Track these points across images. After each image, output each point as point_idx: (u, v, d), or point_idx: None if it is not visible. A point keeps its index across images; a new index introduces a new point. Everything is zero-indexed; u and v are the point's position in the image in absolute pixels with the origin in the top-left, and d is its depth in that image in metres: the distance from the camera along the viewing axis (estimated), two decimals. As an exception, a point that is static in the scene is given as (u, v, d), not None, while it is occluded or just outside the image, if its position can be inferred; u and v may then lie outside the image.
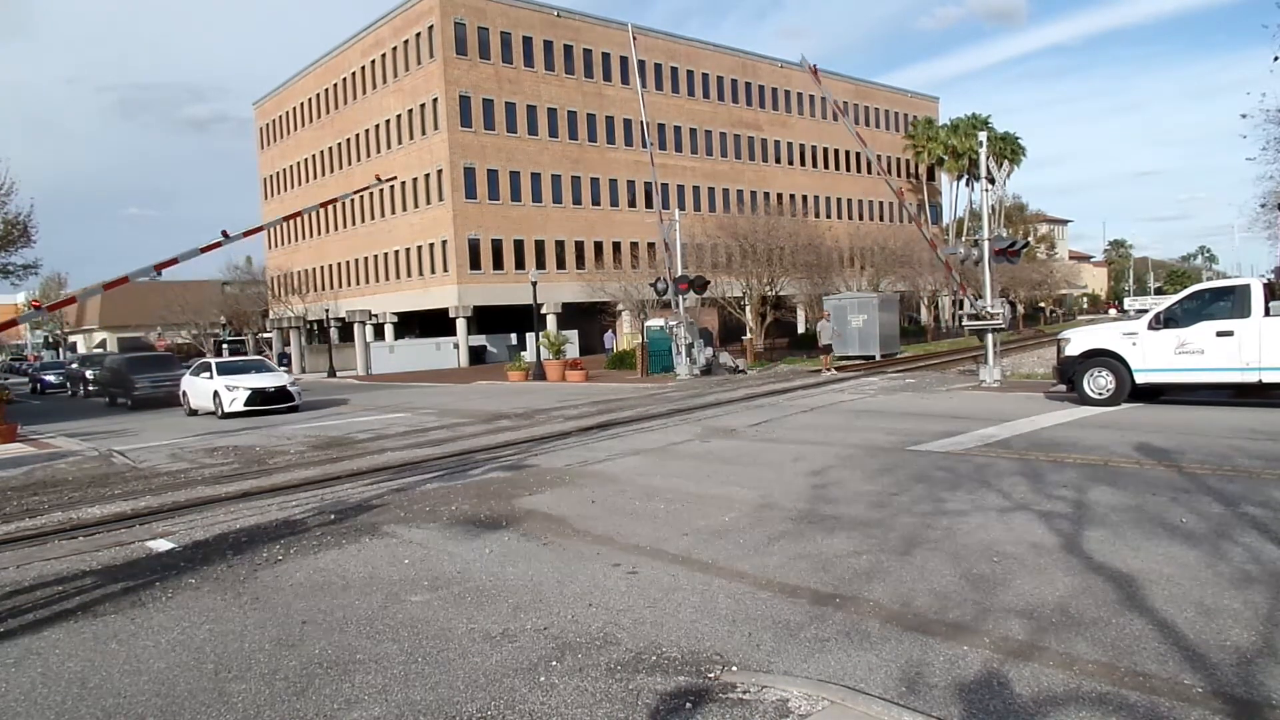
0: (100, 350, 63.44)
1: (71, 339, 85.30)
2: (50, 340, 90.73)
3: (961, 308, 22.87)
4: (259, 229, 9.73)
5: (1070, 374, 14.28)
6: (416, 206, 46.57)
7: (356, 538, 7.42)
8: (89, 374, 34.18)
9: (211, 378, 22.34)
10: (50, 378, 43.18)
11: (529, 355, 36.00)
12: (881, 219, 65.14)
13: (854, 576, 5.59)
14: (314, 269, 56.74)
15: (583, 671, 4.28)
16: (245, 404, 21.29)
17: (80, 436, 17.89)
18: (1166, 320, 13.31)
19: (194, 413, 22.89)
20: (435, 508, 8.52)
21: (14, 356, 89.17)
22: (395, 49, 46.93)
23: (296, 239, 59.16)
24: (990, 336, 18.89)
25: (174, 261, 8.63)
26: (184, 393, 23.77)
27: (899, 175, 67.67)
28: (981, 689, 3.86)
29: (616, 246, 48.38)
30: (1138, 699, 3.68)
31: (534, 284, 32.30)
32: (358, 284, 52.39)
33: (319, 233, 56.35)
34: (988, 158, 19.49)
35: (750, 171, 56.78)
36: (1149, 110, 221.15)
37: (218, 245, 9.01)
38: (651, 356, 28.81)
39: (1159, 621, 4.54)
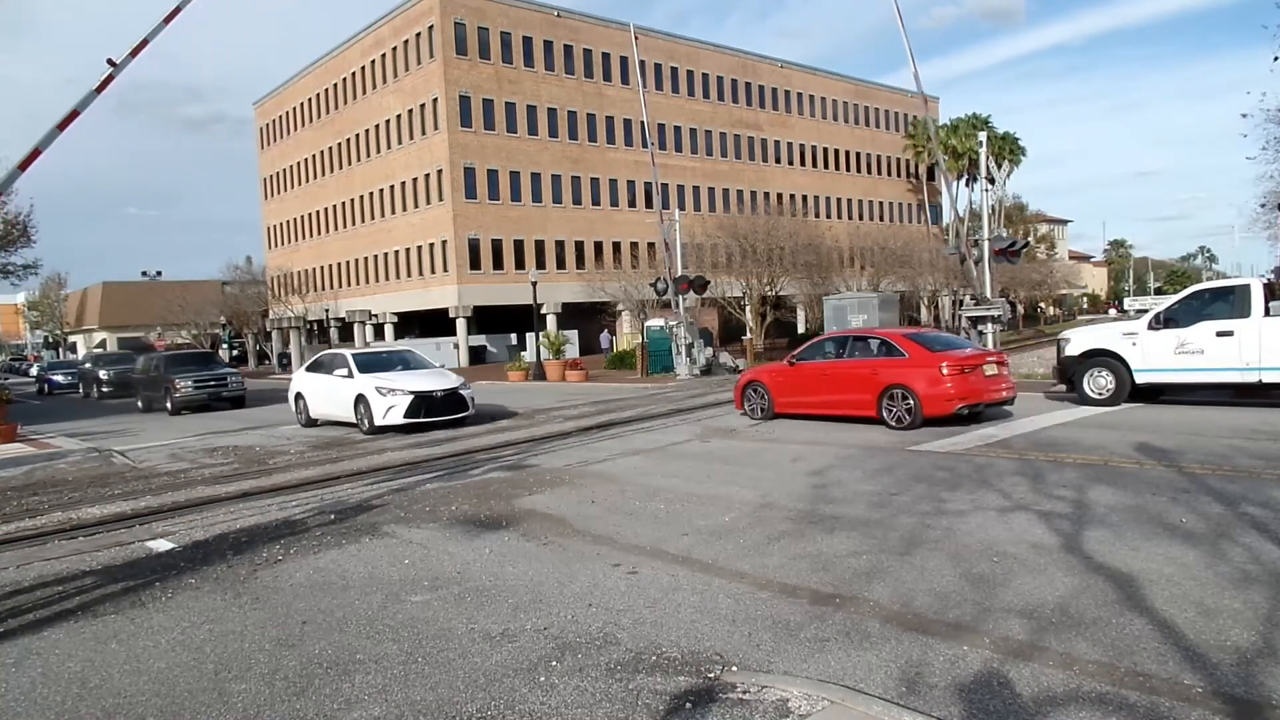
0: (101, 350, 63.29)
1: (71, 339, 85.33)
2: (50, 340, 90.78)
3: (962, 306, 22.89)
4: (144, 43, 8.99)
5: (1070, 374, 14.28)
6: (416, 206, 46.55)
7: (356, 538, 7.42)
8: (103, 374, 32.42)
9: (350, 376, 16.30)
10: (58, 378, 41.41)
11: (529, 355, 35.97)
12: (881, 219, 65.10)
13: (854, 576, 5.59)
14: (314, 269, 56.71)
15: (583, 671, 4.28)
16: (406, 414, 15.21)
17: (80, 436, 17.88)
18: (1166, 320, 13.30)
19: (313, 423, 17.48)
20: (435, 508, 8.52)
21: (14, 356, 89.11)
22: (395, 49, 46.90)
23: (296, 239, 59.14)
24: (990, 334, 18.88)
25: (75, 114, 8.44)
26: (297, 395, 18.01)
27: (898, 175, 67.66)
28: (981, 689, 3.86)
29: (616, 246, 48.34)
30: (1138, 699, 3.68)
31: (534, 284, 32.29)
32: (358, 284, 52.37)
33: (319, 233, 56.32)
34: (988, 158, 19.53)
35: (750, 171, 56.76)
36: (1149, 110, 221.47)
37: (110, 80, 8.68)
38: (651, 356, 28.78)
39: (1159, 621, 4.54)
